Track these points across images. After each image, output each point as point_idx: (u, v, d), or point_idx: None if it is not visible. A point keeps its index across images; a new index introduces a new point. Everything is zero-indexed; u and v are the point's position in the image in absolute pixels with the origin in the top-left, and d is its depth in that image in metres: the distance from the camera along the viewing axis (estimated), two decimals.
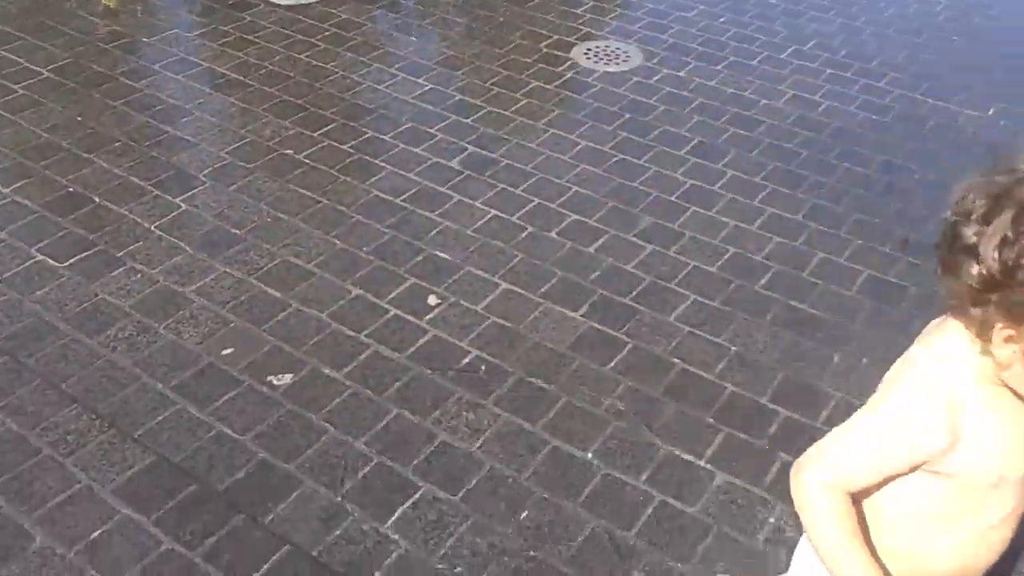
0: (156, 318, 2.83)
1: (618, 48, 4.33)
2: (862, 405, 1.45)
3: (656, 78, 4.14)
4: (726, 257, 3.17)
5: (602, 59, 4.24)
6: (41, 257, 3.04)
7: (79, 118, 3.70)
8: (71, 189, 3.33)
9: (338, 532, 2.25)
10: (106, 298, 2.90)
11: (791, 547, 2.22)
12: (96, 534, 2.22)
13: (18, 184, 3.34)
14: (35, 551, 2.17)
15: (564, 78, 4.12)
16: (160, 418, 2.52)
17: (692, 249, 3.20)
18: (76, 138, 3.59)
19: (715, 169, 3.59)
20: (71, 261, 3.03)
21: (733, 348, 2.81)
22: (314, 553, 2.20)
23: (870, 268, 3.13)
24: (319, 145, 3.62)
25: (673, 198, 3.44)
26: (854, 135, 3.83)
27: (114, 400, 2.56)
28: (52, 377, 2.62)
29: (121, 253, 3.08)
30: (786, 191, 3.48)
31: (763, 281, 3.07)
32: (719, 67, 4.23)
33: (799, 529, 2.24)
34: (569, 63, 4.24)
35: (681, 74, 4.16)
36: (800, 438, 2.50)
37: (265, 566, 2.16)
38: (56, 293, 2.90)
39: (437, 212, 3.31)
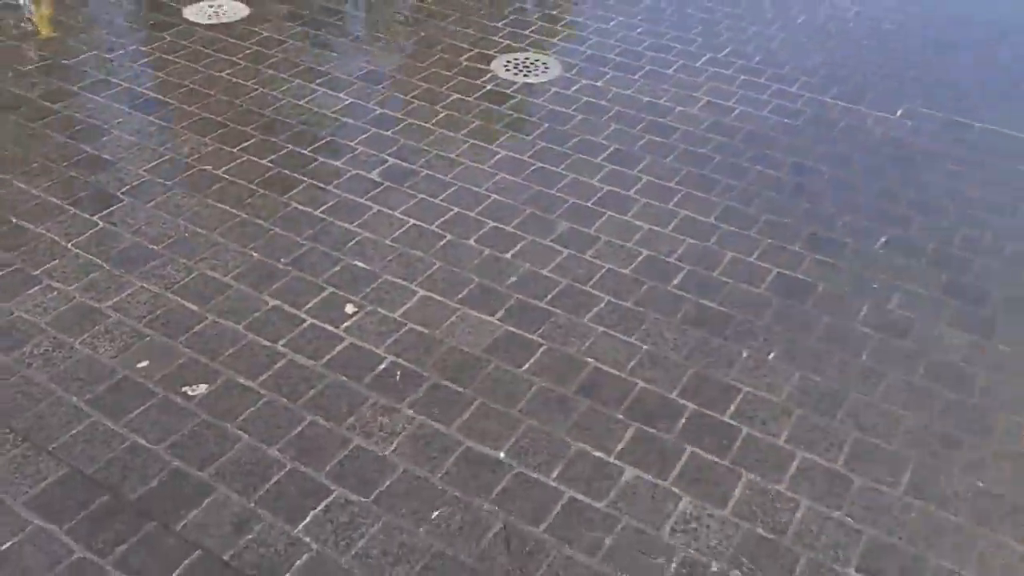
0: (72, 334, 2.83)
1: (537, 60, 4.42)
2: (768, 398, 1.52)
3: (574, 88, 4.24)
4: (639, 259, 3.25)
5: (521, 71, 4.33)
6: None
7: None
8: None
9: (250, 536, 2.27)
10: (22, 315, 2.89)
11: (694, 539, 2.30)
12: (7, 545, 2.22)
13: None
14: None
15: (484, 90, 4.20)
16: (74, 431, 2.52)
17: (607, 253, 3.28)
18: None
19: (631, 175, 3.69)
20: None
21: (644, 346, 2.89)
22: (225, 557, 2.22)
23: (779, 266, 3.24)
24: (238, 160, 3.65)
25: (590, 204, 3.52)
26: (766, 139, 3.96)
27: (28, 415, 2.56)
28: None
29: (37, 271, 3.07)
30: (699, 194, 3.59)
31: (675, 281, 3.16)
32: (636, 76, 4.34)
33: (702, 522, 2.33)
34: (489, 75, 4.32)
35: (599, 84, 4.27)
36: (708, 432, 2.60)
37: (176, 571, 2.18)
38: None
39: (356, 223, 3.36)
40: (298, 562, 2.22)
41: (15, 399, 2.61)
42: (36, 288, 3.00)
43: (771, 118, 4.10)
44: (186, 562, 2.21)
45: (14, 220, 3.28)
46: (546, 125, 3.98)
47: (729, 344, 2.90)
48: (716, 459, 2.53)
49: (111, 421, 2.56)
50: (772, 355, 2.86)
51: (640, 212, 3.49)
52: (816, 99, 4.24)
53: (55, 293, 2.99)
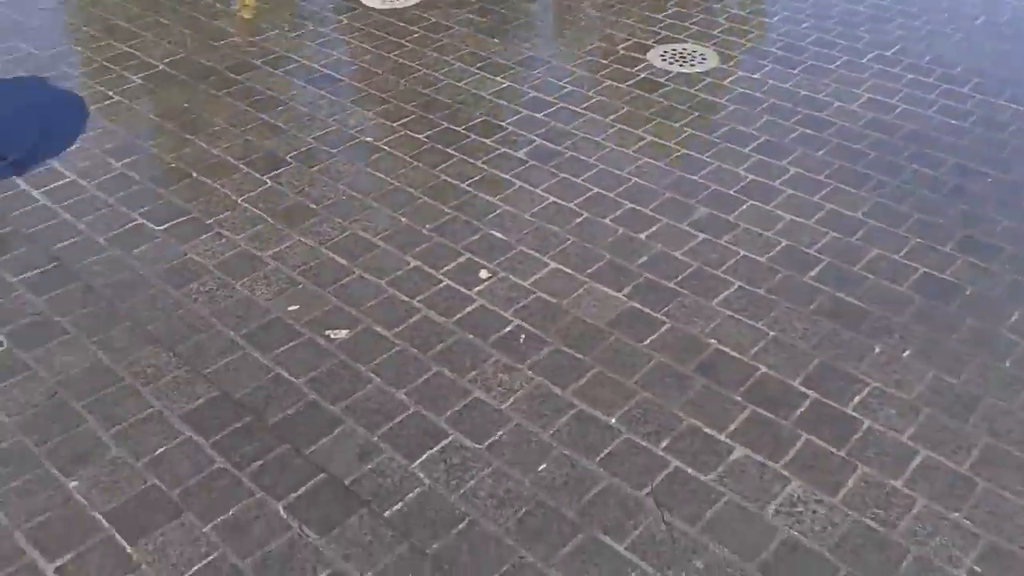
0: (234, 276, 3.11)
1: (695, 51, 4.43)
2: (896, 395, 1.52)
3: (730, 80, 4.23)
4: (778, 249, 3.23)
5: (677, 61, 4.36)
6: (142, 221, 3.38)
7: (185, 105, 4.08)
8: (173, 165, 3.67)
9: (370, 466, 2.44)
10: (193, 257, 3.20)
11: (798, 521, 2.29)
12: (162, 450, 2.49)
13: (128, 159, 3.72)
14: (109, 459, 2.46)
15: (637, 78, 4.26)
16: (227, 360, 2.78)
17: (744, 240, 3.27)
18: (181, 122, 3.95)
19: (778, 166, 3.65)
20: (167, 225, 3.35)
21: (771, 333, 2.87)
22: (346, 482, 2.40)
23: (926, 266, 3.13)
24: (396, 134, 3.87)
25: (732, 192, 3.52)
26: (928, 138, 3.81)
27: (190, 343, 2.84)
28: (141, 321, 2.92)
29: (210, 220, 3.39)
30: (849, 189, 3.51)
31: (812, 273, 3.11)
32: (795, 70, 4.27)
33: (808, 507, 2.30)
34: (644, 64, 4.37)
35: (756, 76, 4.23)
36: (827, 421, 2.56)
37: (302, 489, 2.38)
38: (151, 251, 3.23)
39: (498, 197, 3.50)
40: (410, 494, 2.37)
41: (180, 328, 2.90)
42: (208, 235, 3.31)
43: (936, 118, 3.94)
44: (311, 482, 2.40)
45: (194, 175, 3.63)
46: (696, 114, 3.99)
47: (861, 338, 2.84)
48: (832, 449, 2.49)
49: (260, 354, 2.80)
50: (907, 353, 2.78)
51: (784, 203, 3.45)
52: (987, 101, 4.04)
53: (224, 240, 3.29)
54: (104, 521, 2.30)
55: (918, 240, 3.25)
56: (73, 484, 2.40)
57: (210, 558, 2.22)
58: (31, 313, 2.94)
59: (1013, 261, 3.15)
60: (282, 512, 2.33)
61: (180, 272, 3.14)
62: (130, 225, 3.35)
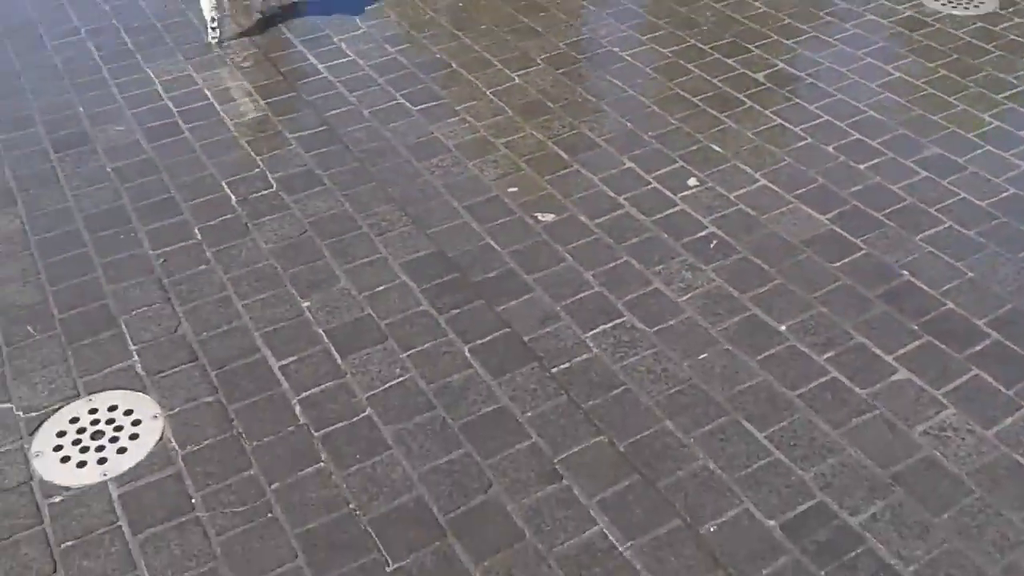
0: (469, 157, 3.48)
1: None
2: None
3: (1003, 26, 3.97)
4: (1003, 195, 3.10)
5: (951, 2, 4.14)
6: (402, 101, 3.83)
7: (460, 4, 4.48)
8: (438, 56, 4.10)
9: (548, 330, 2.73)
10: (438, 136, 3.61)
11: (944, 444, 2.32)
12: (380, 288, 2.92)
13: (401, 47, 4.18)
14: (337, 289, 2.93)
15: (902, 15, 4.11)
16: (448, 225, 3.15)
17: (968, 183, 3.16)
18: (453, 19, 4.36)
19: None
20: (421, 107, 3.78)
21: (970, 274, 2.81)
22: (525, 339, 2.70)
23: None
24: (643, 47, 4.05)
25: (970, 135, 3.38)
26: None
27: (421, 206, 3.25)
28: (384, 182, 3.38)
29: (459, 107, 3.77)
30: None
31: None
32: None
33: (958, 434, 2.31)
34: (914, 3, 4.19)
35: None
36: (1004, 362, 2.51)
37: (487, 337, 2.72)
38: (404, 127, 3.67)
39: (725, 114, 3.59)
40: (578, 358, 2.64)
41: (415, 193, 3.31)
42: (454, 119, 3.70)
43: None
44: (496, 334, 2.73)
45: (454, 66, 4.03)
46: (955, 56, 3.82)
47: None
48: (1001, 388, 2.45)
49: (476, 224, 3.15)
50: None
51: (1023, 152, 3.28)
52: None
53: (466, 125, 3.66)
54: (324, 336, 2.78)
55: None
56: (305, 304, 2.89)
57: (402, 379, 2.63)
58: (299, 165, 3.49)
59: None
60: (467, 352, 2.69)
61: (425, 147, 3.55)
62: (391, 103, 3.82)
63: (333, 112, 3.78)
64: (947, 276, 2.81)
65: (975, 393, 2.45)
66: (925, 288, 2.78)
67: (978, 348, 2.58)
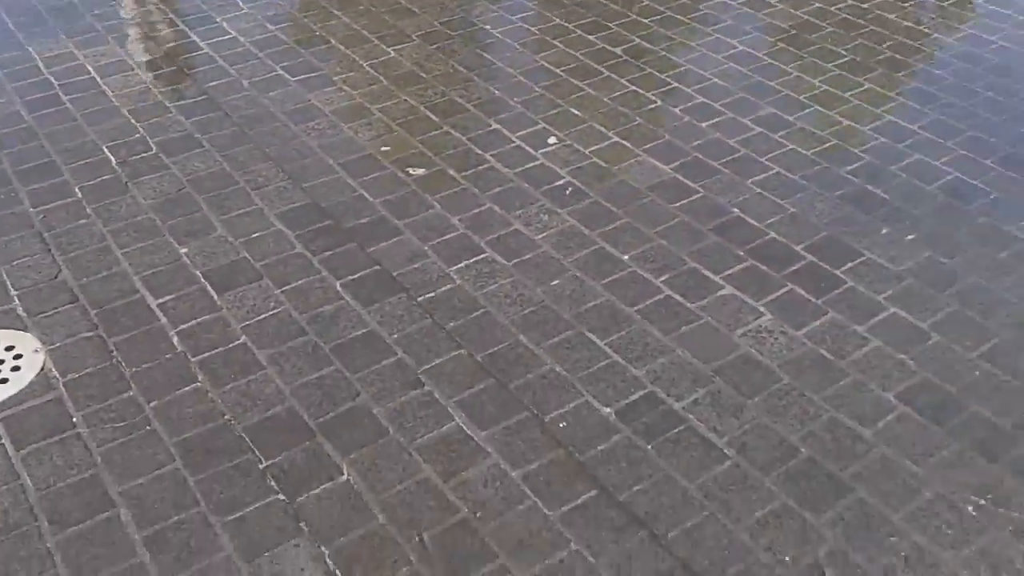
0: (344, 121, 3.69)
1: None
2: (887, 266, 1.85)
3: (838, 6, 4.41)
4: (826, 146, 3.47)
5: None
6: (281, 72, 4.01)
7: None
8: (318, 33, 4.30)
9: (416, 266, 2.96)
10: (315, 103, 3.80)
11: (760, 343, 2.62)
12: (256, 235, 3.09)
13: (282, 25, 4.36)
14: (214, 236, 3.09)
15: None
16: (323, 179, 3.36)
17: (797, 136, 3.53)
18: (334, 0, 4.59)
19: (853, 80, 3.86)
20: (300, 78, 3.97)
21: (792, 209, 3.16)
22: (394, 273, 2.92)
23: (961, 172, 3.30)
24: (513, 26, 4.34)
25: (801, 97, 3.77)
26: (1005, 69, 3.90)
27: (296, 164, 3.44)
28: (261, 144, 3.55)
29: (336, 78, 3.99)
30: (914, 105, 3.68)
31: (850, 167, 3.35)
32: (906, 3, 4.41)
33: (773, 335, 2.63)
34: None
35: (864, 6, 4.40)
36: (815, 278, 2.86)
37: (358, 274, 2.92)
38: (282, 96, 3.85)
39: (586, 82, 3.90)
40: (442, 288, 2.88)
41: (292, 153, 3.50)
42: (331, 88, 3.91)
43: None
44: (366, 271, 2.94)
45: (332, 42, 4.23)
46: (793, 32, 4.23)
47: (874, 221, 3.08)
48: (812, 298, 2.79)
49: (350, 178, 3.36)
50: (911, 237, 3.00)
51: (848, 111, 3.67)
52: None
53: (343, 94, 3.87)
54: (201, 277, 2.94)
55: (963, 152, 3.41)
56: (183, 251, 3.05)
57: (276, 311, 2.81)
58: (178, 130, 3.63)
59: None
60: (338, 287, 2.89)
61: (302, 113, 3.74)
62: (271, 75, 4.00)
63: (213, 83, 3.94)
64: (772, 212, 3.16)
65: (789, 303, 2.78)
66: (752, 222, 3.11)
67: (794, 268, 2.91)
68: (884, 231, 3.05)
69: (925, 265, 2.90)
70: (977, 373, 2.52)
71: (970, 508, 2.17)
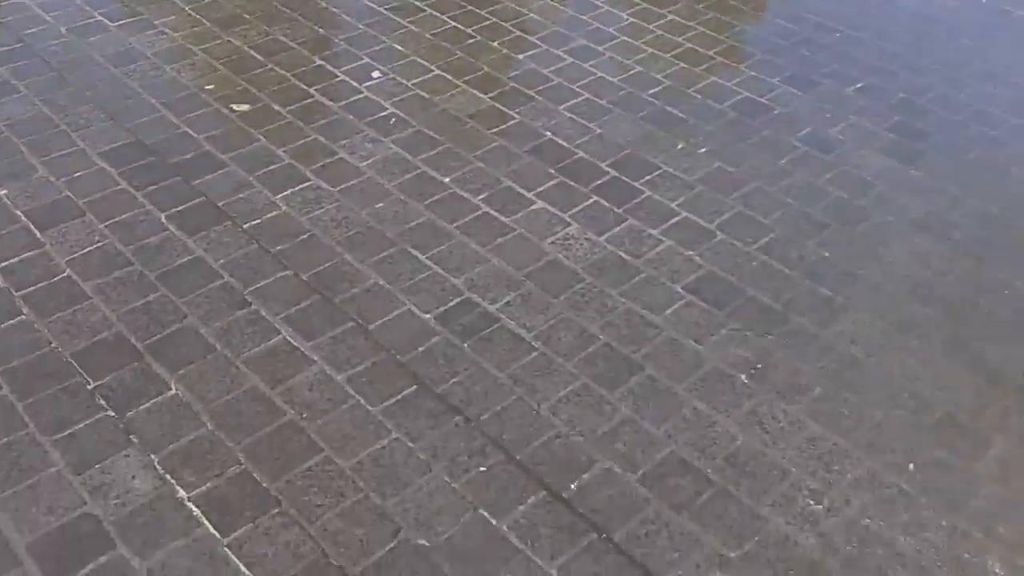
0: (167, 62, 3.69)
1: None
2: (680, 176, 2.04)
3: None
4: (631, 72, 3.73)
5: None
6: (100, 18, 3.96)
7: None
8: None
9: (242, 195, 3.04)
10: (136, 46, 3.78)
11: (566, 248, 2.85)
12: (79, 174, 3.10)
13: None
14: (36, 177, 3.08)
15: None
16: (147, 119, 3.37)
17: (605, 65, 3.78)
18: None
19: (657, 12, 4.13)
20: (120, 22, 3.93)
21: (599, 131, 3.41)
22: (219, 204, 3.00)
23: (749, 91, 3.63)
24: None
25: (611, 29, 4.00)
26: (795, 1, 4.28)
27: (119, 104, 3.44)
28: (82, 87, 3.52)
29: (158, 21, 3.96)
30: (711, 34, 3.98)
31: (652, 91, 3.62)
32: None
33: (578, 241, 2.86)
34: None
35: None
36: (618, 190, 3.11)
37: (183, 206, 2.98)
38: (102, 40, 3.81)
39: (408, 19, 4.03)
40: (268, 215, 2.97)
41: (113, 95, 3.49)
42: (152, 31, 3.89)
43: None
44: (192, 202, 3.01)
45: None
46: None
47: (671, 137, 3.36)
48: (613, 207, 3.04)
49: (174, 116, 3.39)
50: (703, 150, 3.30)
51: (652, 41, 3.94)
52: None
53: (165, 36, 3.86)
54: (23, 216, 2.94)
55: (752, 73, 3.74)
56: (3, 192, 3.02)
57: (100, 244, 2.85)
58: None
59: (826, 94, 3.62)
60: (163, 219, 2.95)
61: (123, 56, 3.72)
62: (89, 20, 3.94)
63: (30, 31, 3.85)
64: (581, 133, 3.39)
65: (594, 213, 3.02)
66: (563, 143, 3.34)
67: (599, 182, 3.16)
68: (680, 146, 3.33)
69: (714, 174, 3.20)
70: (755, 263, 2.84)
71: (743, 376, 2.48)
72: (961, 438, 2.34)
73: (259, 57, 3.76)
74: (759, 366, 2.51)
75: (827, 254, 2.88)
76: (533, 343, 2.56)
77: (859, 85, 3.68)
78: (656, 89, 3.64)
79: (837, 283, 2.78)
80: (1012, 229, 3.00)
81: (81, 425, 2.30)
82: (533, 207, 3.05)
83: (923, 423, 2.37)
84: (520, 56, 3.83)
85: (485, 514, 2.14)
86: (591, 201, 3.08)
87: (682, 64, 3.80)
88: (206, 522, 2.11)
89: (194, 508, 2.13)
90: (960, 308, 2.70)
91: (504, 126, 3.43)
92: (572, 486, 2.20)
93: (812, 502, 2.19)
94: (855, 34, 4.02)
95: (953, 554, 2.10)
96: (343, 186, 3.12)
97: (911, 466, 2.26)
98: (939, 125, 3.48)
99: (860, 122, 3.48)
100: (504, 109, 3.52)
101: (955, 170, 3.26)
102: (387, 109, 3.49)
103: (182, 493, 2.17)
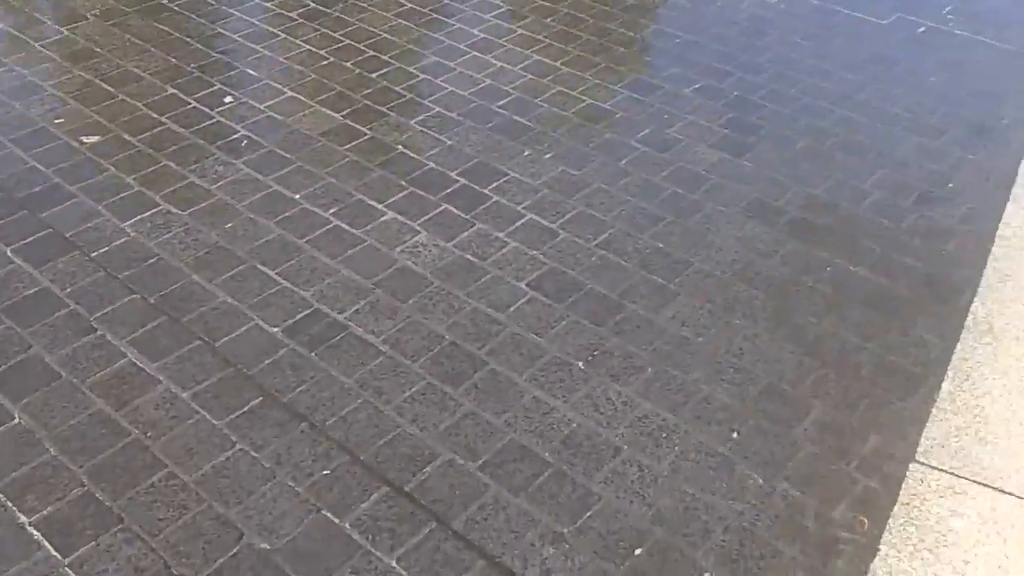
0: (15, 99, 3.65)
1: None
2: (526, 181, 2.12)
3: None
4: (481, 86, 3.86)
5: None
6: None
7: None
8: None
9: (90, 225, 3.03)
10: None
11: (415, 255, 2.93)
12: None
13: None
14: None
15: None
16: None
17: (457, 79, 3.89)
18: None
19: (508, 27, 4.28)
20: None
21: (449, 142, 3.51)
22: (67, 234, 2.99)
23: (592, 99, 3.79)
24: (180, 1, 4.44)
25: (462, 45, 4.13)
26: (641, 9, 4.48)
27: None
28: None
29: (6, 59, 3.91)
30: (558, 45, 4.15)
31: (501, 102, 3.75)
32: None
33: (427, 248, 2.95)
34: None
35: None
36: (466, 198, 3.21)
37: (30, 238, 2.96)
38: None
39: (261, 45, 4.08)
40: (116, 242, 2.98)
41: None
42: (1, 69, 3.85)
43: None
44: (39, 235, 2.98)
45: (2, 26, 4.17)
46: None
47: (518, 145, 3.49)
48: (462, 214, 3.14)
49: (22, 151, 3.36)
50: (549, 156, 3.44)
51: (502, 55, 4.08)
52: None
53: (13, 74, 3.82)
54: None
55: (596, 81, 3.91)
56: None
57: None
58: None
59: (665, 96, 3.81)
60: (8, 252, 2.92)
61: None
62: None
63: None
64: (431, 145, 3.49)
65: (443, 220, 3.12)
66: (413, 155, 3.43)
67: (449, 191, 3.26)
68: (526, 153, 3.46)
69: (559, 177, 3.34)
70: (594, 258, 2.98)
71: (580, 364, 2.60)
72: (782, 406, 2.51)
73: (110, 89, 3.75)
74: (596, 353, 2.63)
75: (661, 245, 3.03)
76: (381, 347, 2.64)
77: (696, 86, 3.89)
78: (505, 100, 3.77)
79: (670, 271, 2.93)
80: (836, 210, 3.22)
81: None
82: (383, 218, 3.13)
83: (747, 394, 2.53)
84: (373, 75, 3.92)
85: (328, 515, 2.19)
86: (441, 208, 3.18)
87: (530, 76, 3.94)
88: (47, 545, 2.11)
89: (35, 532, 2.14)
90: (784, 287, 2.89)
91: (356, 142, 3.50)
92: (414, 479, 2.28)
93: (641, 475, 2.31)
94: (693, 39, 4.24)
95: (772, 512, 2.24)
96: (192, 209, 3.14)
97: (735, 435, 2.41)
98: (770, 119, 3.70)
99: (696, 120, 3.67)
100: (356, 126, 3.59)
101: (784, 159, 3.48)
102: (239, 132, 3.53)
103: (23, 519, 2.16)
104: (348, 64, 3.98)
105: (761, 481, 2.31)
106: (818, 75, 4.00)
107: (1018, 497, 2.18)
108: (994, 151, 3.49)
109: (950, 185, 3.31)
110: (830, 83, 3.95)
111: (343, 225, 3.09)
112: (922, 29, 4.41)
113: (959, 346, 2.61)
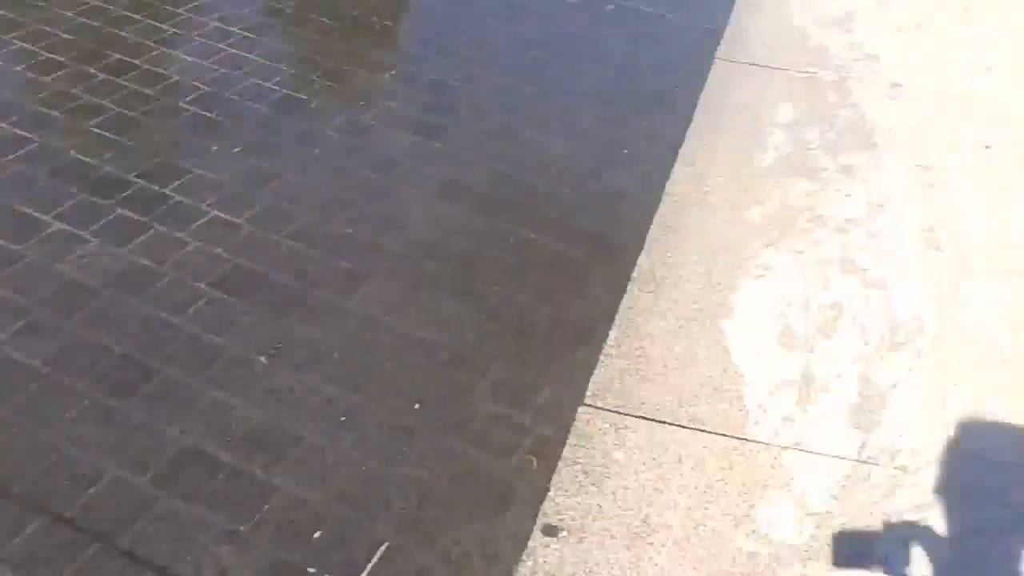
0: None
1: None
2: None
3: None
4: (168, 82, 3.67)
5: None
6: None
7: None
8: None
9: None
10: None
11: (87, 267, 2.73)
12: None
13: None
14: None
15: None
16: None
17: (141, 78, 3.67)
18: None
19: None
20: None
21: (128, 143, 3.32)
22: None
23: (287, 89, 3.71)
24: None
25: (151, 42, 3.92)
26: None
27: None
28: None
29: None
30: (251, 35, 4.04)
31: (190, 97, 3.59)
32: None
33: (99, 257, 2.77)
34: None
35: None
36: (143, 200, 3.04)
37: None
38: None
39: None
40: (14, 267, 2.60)
41: None
42: None
43: None
44: None
45: None
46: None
47: (204, 141, 3.36)
48: (138, 217, 2.98)
49: None
50: (237, 149, 3.33)
51: (193, 49, 3.88)
52: None
53: None
54: None
55: (292, 72, 3.83)
56: None
57: None
58: None
59: (359, 81, 3.80)
60: None
61: None
62: None
63: None
64: (107, 148, 3.26)
65: (117, 226, 2.93)
66: (88, 160, 3.20)
67: (125, 194, 3.07)
68: (214, 148, 3.33)
69: (247, 171, 3.23)
70: (282, 249, 2.90)
71: (262, 358, 2.53)
72: (463, 372, 2.55)
73: None
74: (279, 345, 2.57)
75: (351, 231, 3.01)
76: (41, 370, 2.44)
77: (393, 72, 3.90)
78: (192, 96, 3.61)
79: (359, 256, 2.91)
80: (520, 184, 3.31)
81: None
82: (49, 230, 2.90)
83: (431, 365, 2.56)
84: (47, 79, 3.64)
85: None
86: (115, 214, 2.99)
87: (222, 69, 3.80)
88: None
89: None
90: (469, 260, 2.94)
91: (22, 151, 3.23)
92: (77, 504, 2.13)
93: (323, 460, 2.28)
94: (391, 24, 4.25)
95: (450, 473, 2.28)
96: (26, 242, 2.79)
97: (416, 406, 2.43)
98: (464, 100, 3.77)
99: (392, 106, 3.68)
100: (23, 133, 3.31)
101: (476, 139, 3.54)
102: None
103: None
104: (18, 69, 3.68)
105: (441, 445, 2.34)
106: (510, 55, 4.12)
107: (671, 424, 2.33)
108: (666, 116, 3.72)
109: (625, 151, 3.50)
110: (522, 62, 4.08)
111: (2, 243, 2.84)
112: (611, 7, 4.64)
113: (625, 297, 2.76)
